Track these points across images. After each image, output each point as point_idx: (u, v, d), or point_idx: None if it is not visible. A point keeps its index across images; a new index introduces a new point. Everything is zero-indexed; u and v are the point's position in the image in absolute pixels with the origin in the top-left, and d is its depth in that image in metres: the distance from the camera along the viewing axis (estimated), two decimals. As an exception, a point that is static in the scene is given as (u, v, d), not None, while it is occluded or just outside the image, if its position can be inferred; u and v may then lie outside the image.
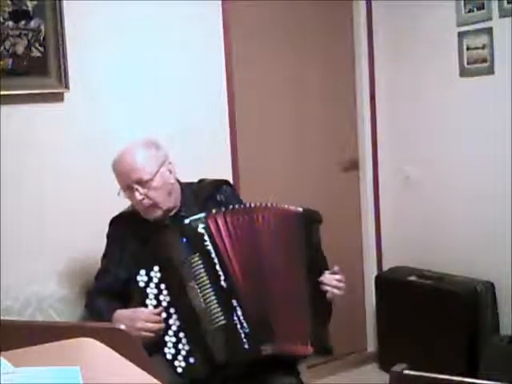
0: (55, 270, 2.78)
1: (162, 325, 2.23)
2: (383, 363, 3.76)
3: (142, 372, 1.21)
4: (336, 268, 2.36)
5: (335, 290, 2.32)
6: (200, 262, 2.25)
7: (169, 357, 2.21)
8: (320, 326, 2.31)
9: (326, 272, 2.35)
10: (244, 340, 2.22)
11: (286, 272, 2.32)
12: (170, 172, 2.47)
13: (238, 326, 2.22)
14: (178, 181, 2.53)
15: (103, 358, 1.29)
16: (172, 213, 2.47)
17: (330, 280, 2.33)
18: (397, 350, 3.58)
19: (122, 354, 1.27)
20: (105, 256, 2.55)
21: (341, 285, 2.34)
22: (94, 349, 1.32)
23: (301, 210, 2.36)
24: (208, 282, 2.24)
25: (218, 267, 2.25)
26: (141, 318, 2.23)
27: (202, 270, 2.24)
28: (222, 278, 2.25)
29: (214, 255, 2.26)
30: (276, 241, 2.33)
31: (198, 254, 2.25)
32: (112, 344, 1.31)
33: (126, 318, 2.25)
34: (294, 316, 2.29)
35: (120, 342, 1.34)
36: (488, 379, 1.48)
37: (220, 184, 2.59)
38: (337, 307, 2.39)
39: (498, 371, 2.98)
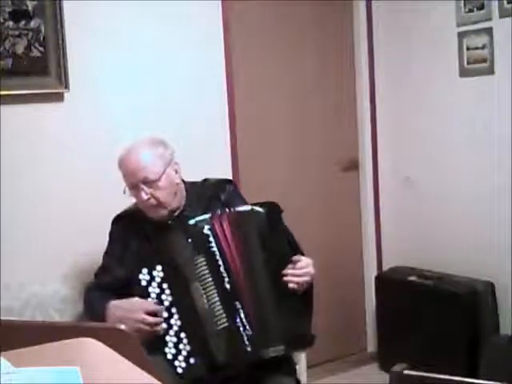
0: (56, 270, 2.79)
1: (161, 319, 2.22)
2: (383, 363, 3.76)
3: (142, 372, 1.21)
4: (295, 258, 2.29)
5: (295, 279, 2.25)
6: (205, 263, 2.24)
7: (169, 357, 2.21)
8: (293, 319, 2.25)
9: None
10: (246, 343, 2.21)
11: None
12: (176, 172, 2.46)
13: (241, 329, 2.21)
14: (183, 180, 2.52)
15: (103, 358, 1.29)
16: (176, 212, 2.46)
17: (291, 271, 2.26)
18: (397, 349, 3.58)
19: (122, 354, 1.27)
20: (106, 253, 2.54)
21: (302, 271, 2.26)
22: (94, 349, 1.32)
23: (249, 208, 2.33)
24: (212, 283, 2.23)
25: (222, 269, 2.24)
26: (140, 309, 2.21)
27: (207, 271, 2.24)
28: (226, 279, 2.24)
29: (218, 257, 2.25)
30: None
31: (203, 255, 2.24)
32: (112, 344, 1.31)
33: (123, 308, 2.23)
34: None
35: (120, 342, 1.34)
36: (488, 379, 1.48)
37: (224, 183, 2.59)
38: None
39: (498, 371, 2.97)
